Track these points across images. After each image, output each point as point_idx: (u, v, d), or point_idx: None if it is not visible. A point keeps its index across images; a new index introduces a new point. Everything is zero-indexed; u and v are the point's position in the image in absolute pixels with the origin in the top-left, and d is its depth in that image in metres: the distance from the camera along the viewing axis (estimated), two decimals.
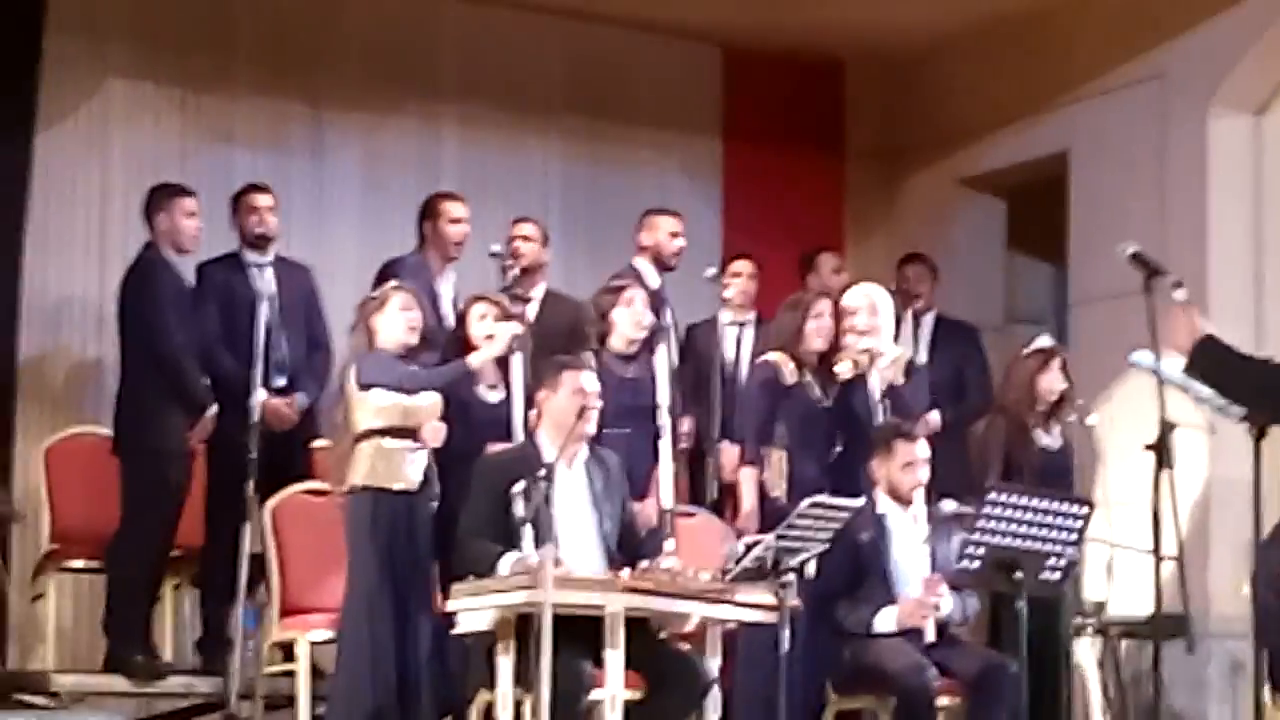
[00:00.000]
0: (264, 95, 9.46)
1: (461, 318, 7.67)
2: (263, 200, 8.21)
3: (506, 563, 6.32)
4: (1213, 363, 5.35)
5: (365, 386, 7.06)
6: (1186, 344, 5.39)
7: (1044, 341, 8.31)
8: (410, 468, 7.05)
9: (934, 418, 8.70)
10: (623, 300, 7.82)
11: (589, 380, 6.73)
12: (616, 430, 7.28)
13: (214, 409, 7.84)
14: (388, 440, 7.04)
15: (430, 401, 7.12)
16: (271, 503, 7.57)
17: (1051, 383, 8.00)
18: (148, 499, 7.77)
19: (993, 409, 8.30)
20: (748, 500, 7.79)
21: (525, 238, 8.62)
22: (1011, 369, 8.21)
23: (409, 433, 7.07)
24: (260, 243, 8.12)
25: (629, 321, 7.80)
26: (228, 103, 9.40)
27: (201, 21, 9.37)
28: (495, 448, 7.21)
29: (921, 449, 7.36)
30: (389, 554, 6.95)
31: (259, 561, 7.58)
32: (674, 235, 8.69)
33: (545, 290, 8.60)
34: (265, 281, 8.11)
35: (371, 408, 7.06)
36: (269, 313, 7.95)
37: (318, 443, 8.12)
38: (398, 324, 7.18)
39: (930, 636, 7.11)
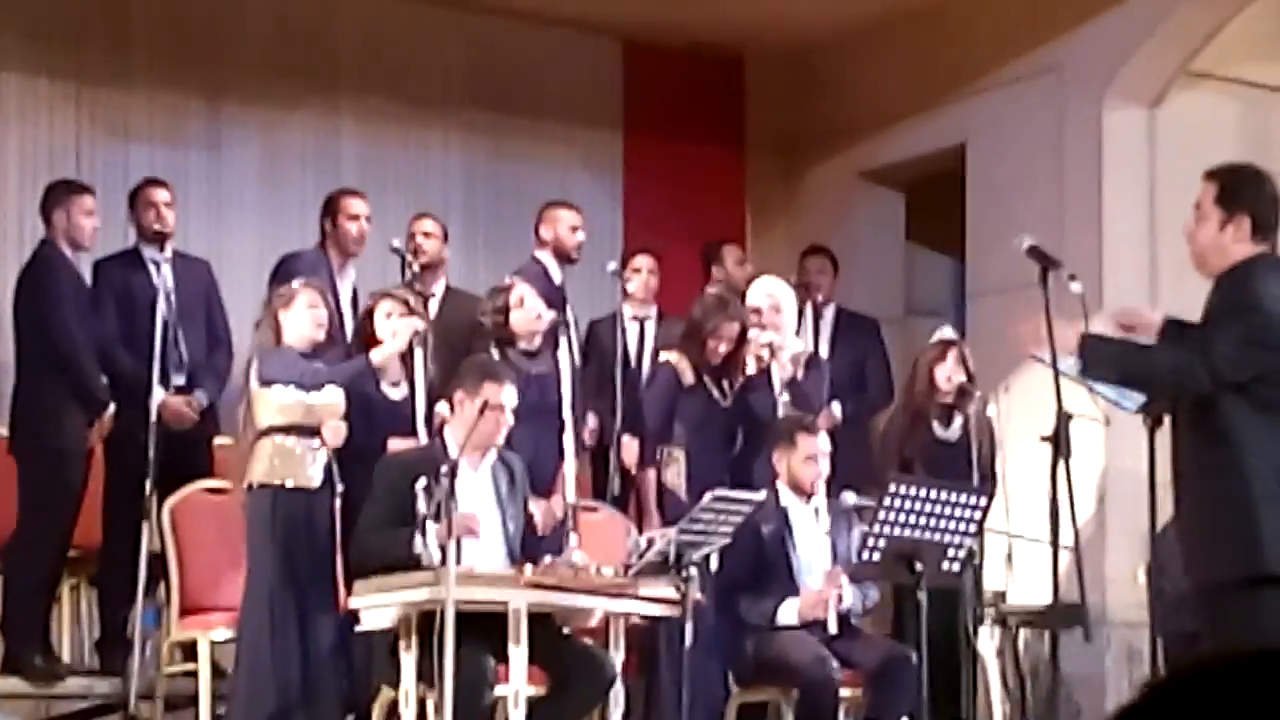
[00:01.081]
0: (161, 89, 9.37)
1: (368, 314, 7.63)
2: (161, 195, 8.13)
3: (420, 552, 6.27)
4: (1105, 359, 5.40)
5: (267, 383, 7.03)
6: (1044, 343, 5.44)
7: (944, 333, 8.37)
8: (311, 466, 7.02)
9: (835, 410, 8.76)
10: (513, 302, 7.78)
11: (509, 395, 6.70)
12: (521, 427, 7.28)
13: (112, 408, 7.77)
14: (288, 438, 7.01)
15: (332, 400, 7.09)
16: (170, 501, 7.51)
17: (948, 374, 8.05)
18: (44, 499, 7.69)
19: (897, 402, 8.36)
20: (648, 499, 7.82)
21: (426, 234, 8.60)
22: (916, 361, 8.29)
23: (311, 430, 7.04)
24: (158, 239, 8.04)
25: (523, 320, 7.76)
26: (124, 97, 9.31)
27: (96, 15, 9.27)
28: (398, 444, 7.19)
29: (822, 442, 7.40)
30: (289, 552, 6.92)
31: (159, 561, 7.51)
32: (574, 229, 8.68)
33: (445, 286, 8.59)
34: (163, 278, 8.03)
35: (273, 405, 7.03)
36: (167, 310, 7.87)
37: (219, 440, 8.06)
38: (305, 321, 7.14)
39: (833, 628, 7.15)
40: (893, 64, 10.26)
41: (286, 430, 7.01)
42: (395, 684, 6.34)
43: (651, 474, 7.85)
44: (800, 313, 8.96)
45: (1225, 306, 5.28)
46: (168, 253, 8.08)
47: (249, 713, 6.85)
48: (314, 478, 7.01)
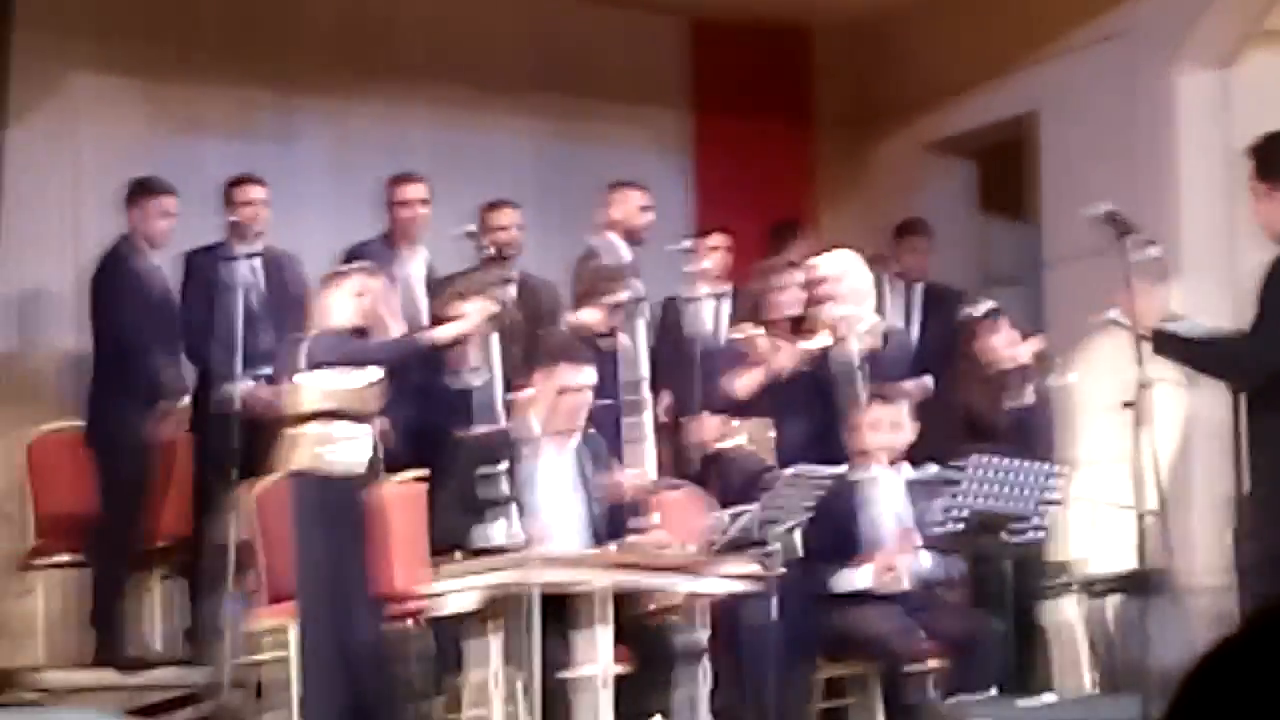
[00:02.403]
0: (230, 83, 9.42)
1: (452, 302, 7.59)
2: (257, 194, 8.21)
3: (499, 531, 6.29)
4: (1172, 353, 5.43)
5: (314, 366, 7.01)
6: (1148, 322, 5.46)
7: (986, 304, 8.37)
8: (353, 451, 6.97)
9: (928, 381, 8.74)
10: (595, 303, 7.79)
11: (587, 375, 6.69)
12: (599, 402, 7.28)
13: (184, 400, 7.87)
14: (334, 423, 6.96)
15: (369, 381, 7.02)
16: (254, 489, 7.56)
17: (1002, 344, 8.05)
18: (120, 490, 7.81)
19: (962, 373, 8.35)
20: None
21: (507, 226, 8.58)
22: (963, 333, 8.30)
23: (359, 416, 7.02)
24: (251, 235, 8.10)
25: (597, 317, 7.78)
26: (194, 92, 9.36)
27: (165, 11, 9.32)
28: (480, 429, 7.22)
29: (893, 412, 7.36)
30: (335, 540, 6.89)
31: (247, 549, 7.57)
32: (643, 209, 8.68)
33: (520, 273, 8.60)
34: (252, 272, 8.12)
35: (318, 390, 6.98)
36: (255, 303, 7.99)
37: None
38: (347, 306, 7.10)
39: (905, 585, 7.11)
40: (961, 33, 10.20)
41: (333, 415, 6.96)
42: (480, 666, 6.36)
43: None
44: (882, 285, 8.95)
45: (1263, 294, 5.32)
46: (257, 246, 8.15)
47: (323, 705, 6.86)
48: (358, 464, 6.97)
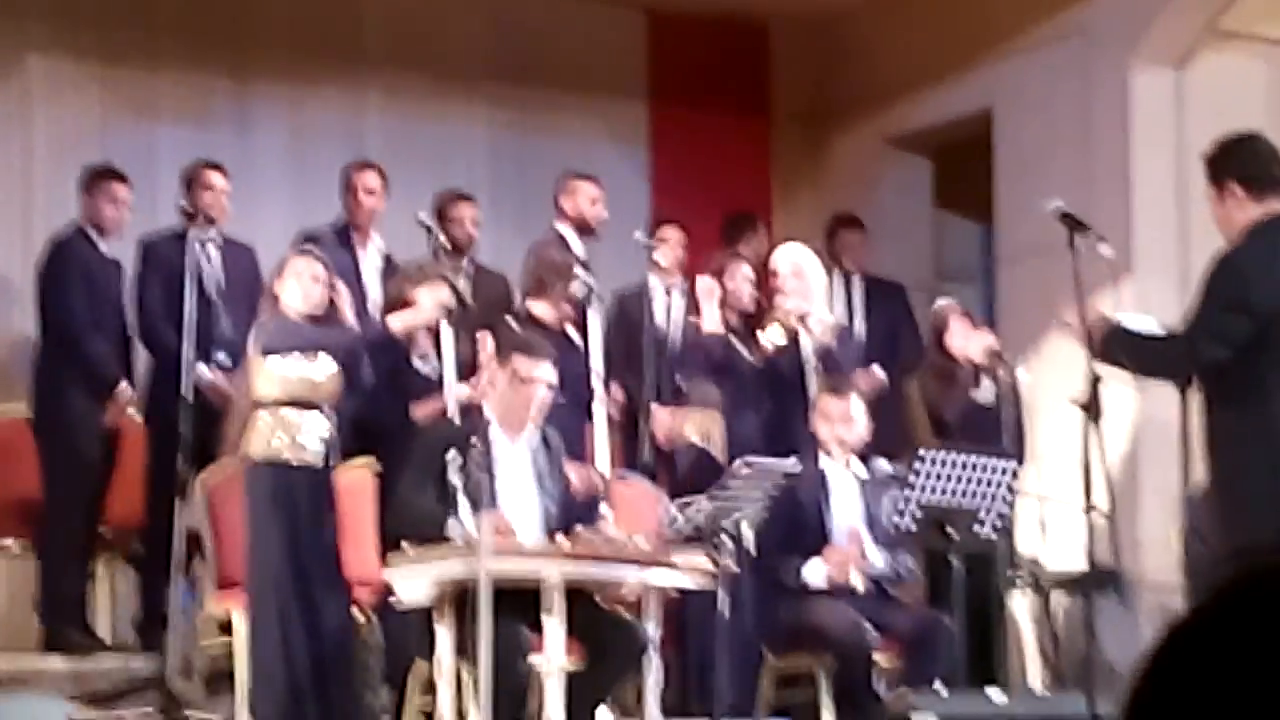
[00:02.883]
0: (187, 69, 9.38)
1: (407, 287, 7.57)
2: (218, 181, 8.17)
3: (454, 528, 6.28)
4: (1118, 350, 5.48)
5: (266, 353, 6.99)
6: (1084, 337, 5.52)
7: (944, 300, 8.40)
8: (312, 441, 6.96)
9: (878, 371, 8.76)
10: (545, 296, 7.79)
11: (544, 370, 6.68)
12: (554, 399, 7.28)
13: (123, 388, 7.85)
14: (289, 410, 6.96)
15: (327, 374, 7.01)
16: (204, 476, 7.53)
17: (961, 338, 8.09)
18: (64, 477, 7.78)
19: (920, 367, 8.38)
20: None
21: (475, 220, 8.57)
22: (930, 328, 8.35)
23: (313, 404, 7.00)
24: (209, 222, 8.06)
25: (548, 312, 7.78)
26: (150, 77, 9.32)
27: None
28: (423, 409, 7.21)
29: (853, 405, 7.38)
30: (293, 529, 6.87)
31: (197, 537, 7.54)
32: (594, 201, 8.65)
33: (474, 264, 8.58)
34: (210, 259, 8.09)
35: (275, 377, 6.95)
36: (212, 291, 7.97)
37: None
38: (293, 289, 7.06)
39: (857, 585, 7.13)
40: (917, 29, 10.22)
41: (287, 403, 6.93)
42: (430, 658, 6.35)
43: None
44: (831, 282, 8.98)
45: (1204, 286, 5.39)
46: (215, 235, 8.12)
47: (267, 693, 6.86)
48: (313, 453, 6.95)
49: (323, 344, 7.00)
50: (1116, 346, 5.52)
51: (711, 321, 7.96)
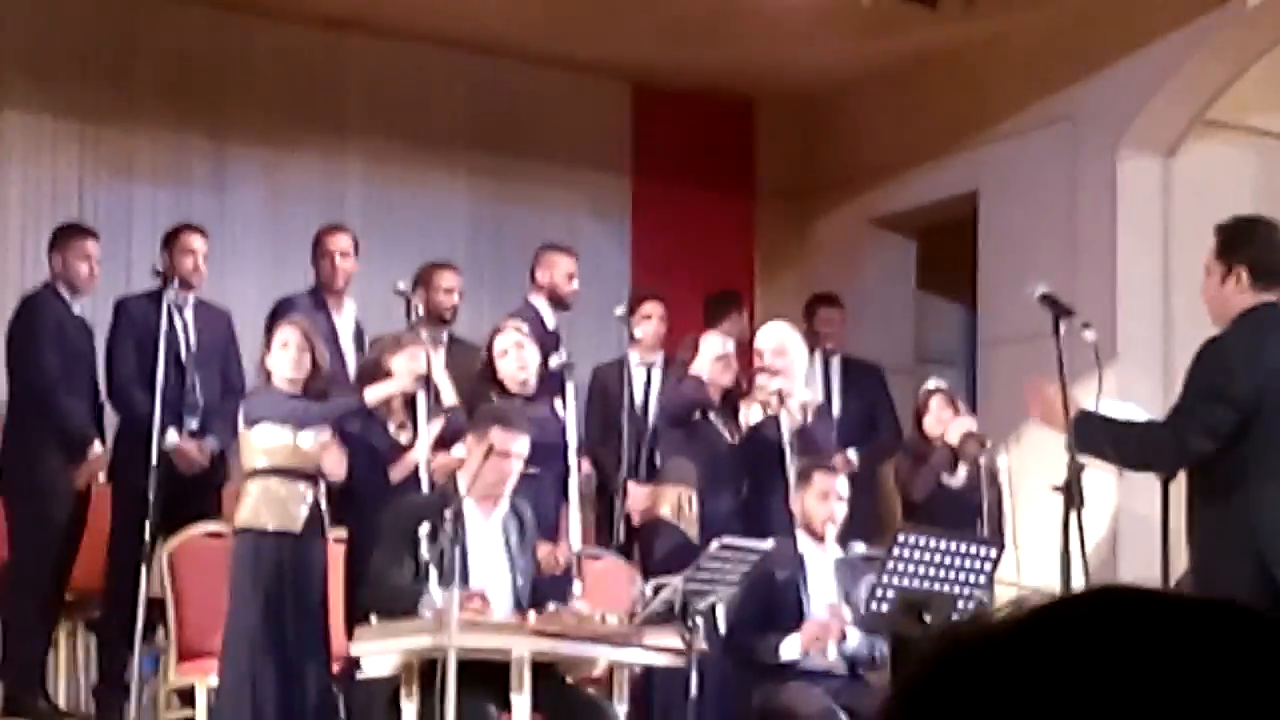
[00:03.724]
0: (165, 129, 9.32)
1: (384, 356, 7.52)
2: (199, 244, 8.10)
3: (426, 607, 6.17)
4: (1094, 434, 5.42)
5: (252, 423, 6.97)
6: (1060, 423, 5.45)
7: (931, 383, 8.36)
8: (297, 509, 6.92)
9: (851, 455, 8.69)
10: (497, 351, 7.68)
11: (520, 444, 6.61)
12: (525, 471, 7.19)
13: (97, 448, 7.75)
14: (274, 480, 6.93)
15: (317, 441, 7.00)
16: (169, 544, 7.43)
17: (936, 420, 8.05)
18: (32, 538, 7.67)
19: (904, 448, 8.33)
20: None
21: (451, 290, 8.49)
22: (914, 409, 8.32)
23: (299, 474, 6.96)
24: (186, 286, 7.99)
25: (511, 370, 7.67)
26: (128, 136, 9.26)
27: (101, 52, 9.22)
28: (397, 473, 7.14)
29: (840, 484, 7.30)
30: (272, 597, 6.83)
31: (160, 605, 7.43)
32: (570, 276, 8.58)
33: (449, 336, 8.50)
34: (184, 323, 8.02)
35: (259, 446, 6.97)
36: (185, 354, 7.89)
37: (228, 487, 7.99)
38: (282, 361, 7.08)
39: (833, 658, 7.01)
40: (904, 111, 10.20)
41: (274, 472, 6.93)
42: None
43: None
44: (810, 361, 8.91)
45: (1190, 375, 5.36)
46: (190, 298, 8.05)
47: None
48: (298, 521, 6.91)
49: (307, 418, 6.99)
50: (1099, 435, 5.45)
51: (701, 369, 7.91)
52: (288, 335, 7.14)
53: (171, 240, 8.09)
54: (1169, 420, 5.43)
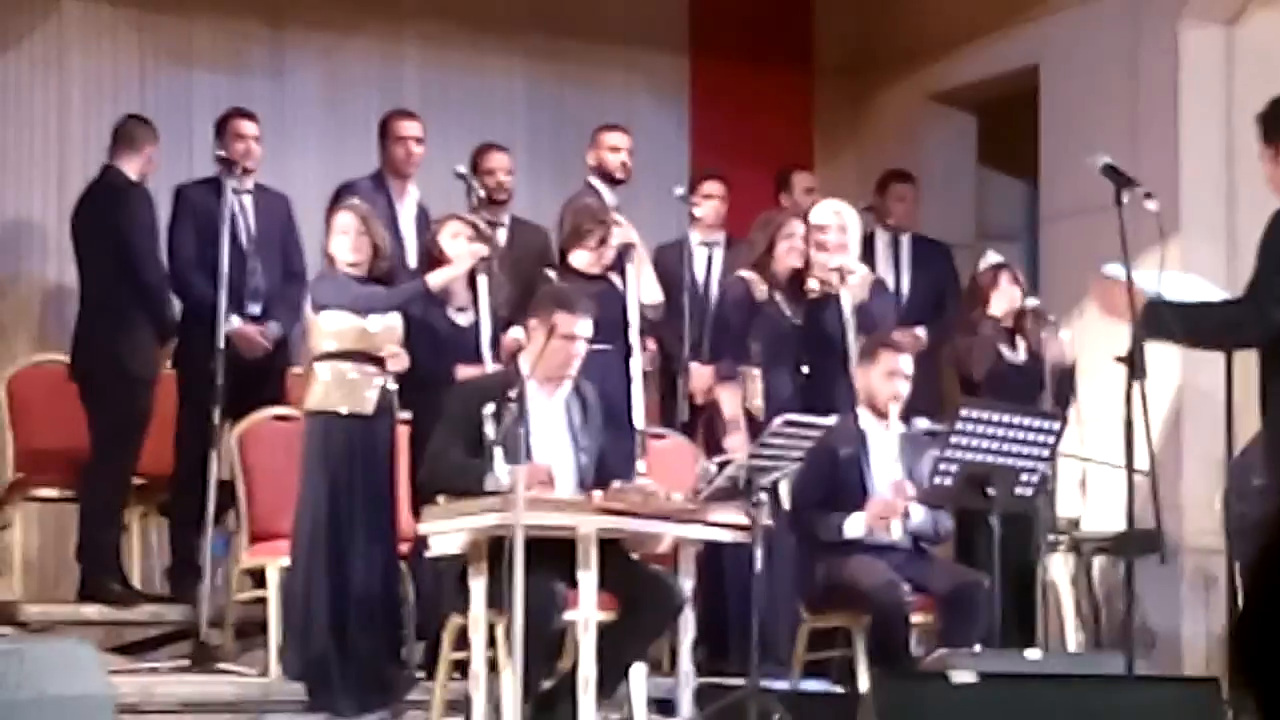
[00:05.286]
0: (223, 15, 9.32)
1: (434, 236, 7.56)
2: (250, 129, 8.11)
3: (490, 481, 6.22)
4: (1165, 321, 5.36)
5: (319, 308, 7.02)
6: (1126, 314, 5.40)
7: (991, 258, 8.30)
8: (367, 392, 6.98)
9: (921, 333, 8.68)
10: (583, 244, 7.73)
11: (583, 327, 6.62)
12: (592, 347, 7.21)
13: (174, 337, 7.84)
14: (344, 364, 6.98)
15: (385, 325, 7.05)
16: (238, 428, 7.51)
17: (1005, 298, 8.00)
18: (120, 426, 7.71)
19: (956, 326, 8.30)
20: (729, 409, 7.78)
21: (498, 169, 8.49)
22: (970, 287, 8.24)
23: (368, 357, 7.01)
24: (243, 171, 8.01)
25: (587, 259, 7.72)
26: (186, 23, 9.26)
27: None
28: (466, 371, 7.16)
29: (904, 361, 7.26)
30: (342, 480, 6.90)
31: (229, 488, 7.52)
32: (615, 149, 8.53)
33: (511, 217, 8.51)
34: (243, 208, 8.05)
35: (327, 330, 7.01)
36: (246, 240, 7.93)
37: (292, 371, 8.05)
38: (342, 245, 7.11)
39: (896, 535, 7.04)
40: None
41: (342, 356, 6.98)
42: (464, 611, 6.31)
43: (731, 387, 7.82)
44: (871, 238, 8.90)
45: (1263, 246, 5.29)
46: (249, 184, 8.08)
47: (301, 640, 6.86)
48: (369, 404, 6.98)
49: (372, 305, 7.03)
50: (1169, 321, 5.39)
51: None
52: (344, 220, 7.17)
53: (222, 127, 8.11)
54: (1247, 293, 5.36)
